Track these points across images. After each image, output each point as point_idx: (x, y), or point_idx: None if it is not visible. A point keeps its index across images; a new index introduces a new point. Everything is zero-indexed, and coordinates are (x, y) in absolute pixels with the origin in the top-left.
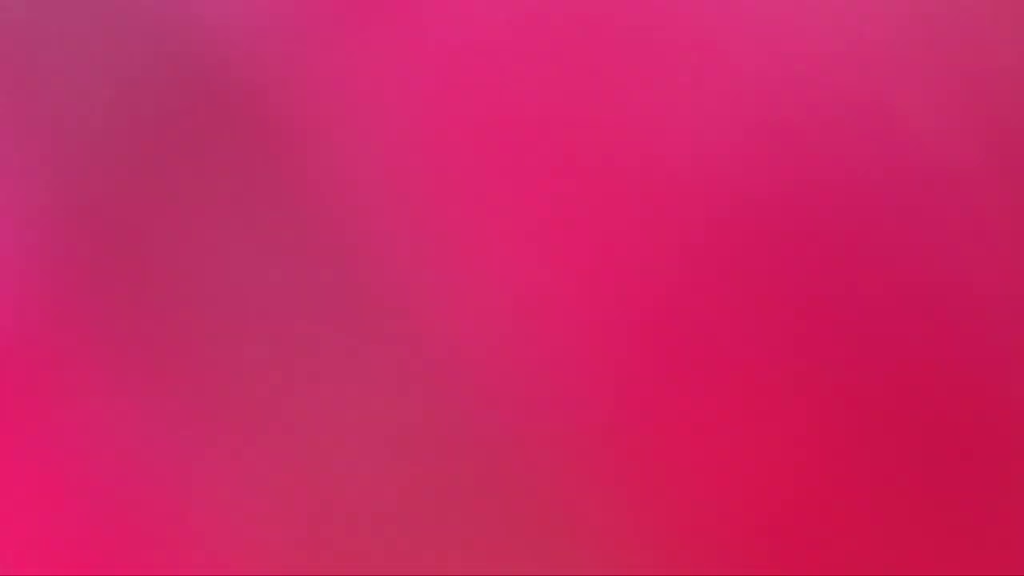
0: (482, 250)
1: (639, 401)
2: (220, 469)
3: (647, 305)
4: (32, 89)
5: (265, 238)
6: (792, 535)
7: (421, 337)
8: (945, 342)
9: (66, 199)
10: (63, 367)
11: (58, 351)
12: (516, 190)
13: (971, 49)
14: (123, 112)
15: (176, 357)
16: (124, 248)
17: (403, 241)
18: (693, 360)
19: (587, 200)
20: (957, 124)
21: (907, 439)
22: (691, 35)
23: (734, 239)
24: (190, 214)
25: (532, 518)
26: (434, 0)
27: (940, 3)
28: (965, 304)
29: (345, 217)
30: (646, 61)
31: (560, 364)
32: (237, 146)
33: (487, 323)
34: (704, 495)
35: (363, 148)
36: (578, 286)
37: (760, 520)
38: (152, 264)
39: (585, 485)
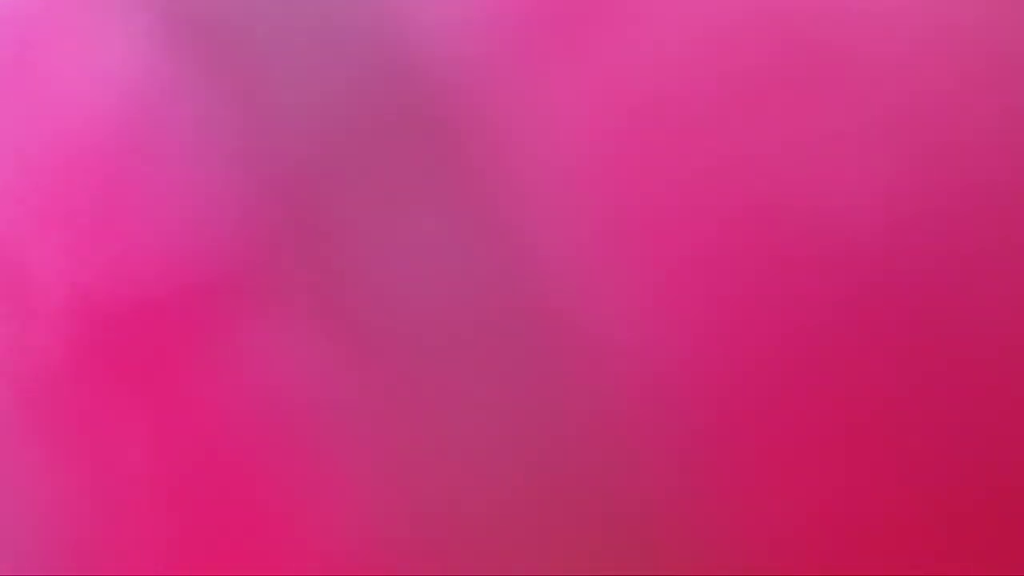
0: (658, 268)
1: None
2: (353, 454)
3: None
4: (253, 86)
5: (449, 234)
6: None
7: (582, 349)
8: None
9: (275, 182)
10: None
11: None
12: (696, 210)
13: None
14: (337, 107)
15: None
16: (322, 228)
17: (578, 251)
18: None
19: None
20: None
21: None
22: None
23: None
24: (380, 203)
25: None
26: (649, 6)
27: None
28: None
29: (527, 220)
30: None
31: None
32: (437, 145)
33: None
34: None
35: (556, 154)
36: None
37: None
38: (343, 249)
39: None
